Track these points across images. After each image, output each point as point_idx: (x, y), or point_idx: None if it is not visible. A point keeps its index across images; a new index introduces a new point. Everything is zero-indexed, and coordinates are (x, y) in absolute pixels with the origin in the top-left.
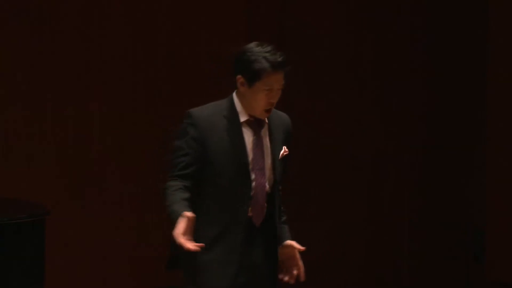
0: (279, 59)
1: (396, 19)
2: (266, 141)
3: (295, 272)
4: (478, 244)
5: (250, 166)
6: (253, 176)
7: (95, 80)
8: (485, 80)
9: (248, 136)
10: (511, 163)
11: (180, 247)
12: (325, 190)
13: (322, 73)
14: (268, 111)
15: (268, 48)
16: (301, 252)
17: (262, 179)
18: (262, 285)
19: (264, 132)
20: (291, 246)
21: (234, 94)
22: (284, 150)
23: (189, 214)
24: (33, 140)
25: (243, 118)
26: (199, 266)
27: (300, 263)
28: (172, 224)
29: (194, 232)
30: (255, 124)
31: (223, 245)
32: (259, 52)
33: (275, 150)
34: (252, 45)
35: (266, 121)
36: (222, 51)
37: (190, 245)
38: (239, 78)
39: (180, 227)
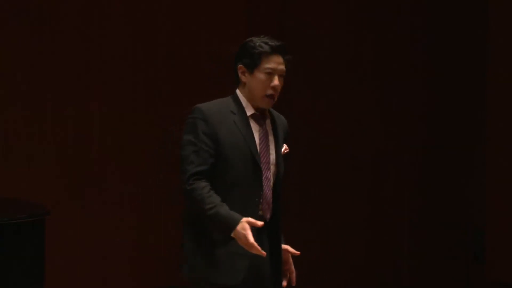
0: (278, 43)
1: (396, 19)
2: (271, 136)
3: (287, 276)
4: (478, 244)
5: (259, 159)
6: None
7: (95, 80)
8: (485, 80)
9: (255, 130)
10: (511, 163)
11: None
12: (325, 190)
13: (322, 73)
14: (270, 97)
15: (267, 37)
16: (301, 252)
17: (268, 173)
18: (266, 282)
19: (269, 128)
20: (286, 251)
21: (237, 91)
22: (285, 147)
23: (249, 219)
24: (33, 140)
25: (249, 112)
26: (211, 262)
27: (293, 268)
28: (217, 225)
29: (201, 223)
30: (261, 118)
31: (235, 240)
32: (258, 39)
33: (278, 146)
34: (251, 38)
35: (269, 116)
36: (222, 51)
37: (262, 251)
38: (240, 68)
39: (250, 235)
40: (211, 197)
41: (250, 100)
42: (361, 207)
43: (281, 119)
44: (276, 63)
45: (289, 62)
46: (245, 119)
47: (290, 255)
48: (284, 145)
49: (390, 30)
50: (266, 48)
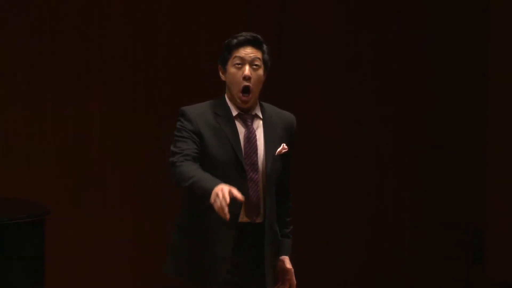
0: (247, 35)
1: (396, 19)
2: (260, 137)
3: (287, 287)
4: (478, 244)
5: (243, 161)
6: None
7: (95, 80)
8: (485, 80)
9: (240, 131)
10: (511, 163)
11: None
12: (325, 190)
13: (322, 73)
14: (245, 91)
15: (243, 32)
16: (301, 252)
17: (254, 175)
18: (248, 284)
19: (258, 128)
20: (283, 262)
21: (226, 93)
22: (282, 147)
23: (232, 189)
24: (33, 140)
25: (234, 113)
26: (195, 264)
27: (293, 279)
28: (199, 190)
29: (184, 226)
30: (247, 119)
31: (217, 240)
32: (231, 37)
33: (269, 147)
34: None
35: (260, 116)
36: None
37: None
38: (219, 68)
39: (226, 190)
40: (198, 169)
41: (232, 99)
42: (361, 207)
43: (284, 117)
44: (245, 53)
45: (266, 53)
46: (230, 120)
47: (290, 266)
48: (282, 144)
49: (390, 30)
50: (233, 41)
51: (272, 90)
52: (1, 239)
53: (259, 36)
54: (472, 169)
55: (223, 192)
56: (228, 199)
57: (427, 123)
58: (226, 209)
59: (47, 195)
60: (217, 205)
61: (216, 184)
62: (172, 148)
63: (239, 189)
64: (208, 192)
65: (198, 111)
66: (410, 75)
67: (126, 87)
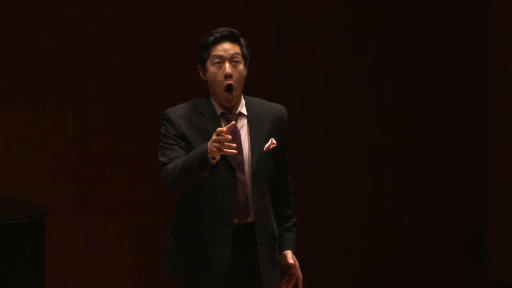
0: (223, 31)
1: (396, 19)
2: (245, 136)
3: (293, 282)
4: (478, 244)
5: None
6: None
7: (95, 80)
8: (485, 80)
9: None
10: (511, 163)
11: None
12: (325, 190)
13: (321, 72)
14: (228, 90)
15: (218, 28)
16: (299, 252)
17: (241, 175)
18: (244, 285)
19: (243, 127)
20: (285, 257)
21: (210, 92)
22: (271, 142)
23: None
24: (33, 140)
25: (218, 111)
26: (191, 266)
27: (299, 273)
28: (193, 163)
29: (179, 229)
30: (231, 118)
31: (212, 242)
32: (206, 35)
33: (255, 145)
34: None
35: (245, 113)
36: None
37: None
38: (199, 69)
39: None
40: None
41: (215, 98)
42: (361, 207)
43: (273, 110)
44: (222, 50)
45: (244, 47)
46: (215, 119)
47: (293, 260)
48: (271, 139)
49: (390, 29)
50: (210, 39)
51: (272, 89)
52: (1, 239)
53: (235, 31)
54: (472, 168)
55: (216, 133)
56: (225, 131)
57: (427, 122)
58: (229, 137)
59: (47, 195)
60: (217, 145)
61: (205, 144)
62: (160, 157)
63: (228, 189)
64: (203, 152)
65: (181, 113)
66: (409, 74)
67: (126, 87)
